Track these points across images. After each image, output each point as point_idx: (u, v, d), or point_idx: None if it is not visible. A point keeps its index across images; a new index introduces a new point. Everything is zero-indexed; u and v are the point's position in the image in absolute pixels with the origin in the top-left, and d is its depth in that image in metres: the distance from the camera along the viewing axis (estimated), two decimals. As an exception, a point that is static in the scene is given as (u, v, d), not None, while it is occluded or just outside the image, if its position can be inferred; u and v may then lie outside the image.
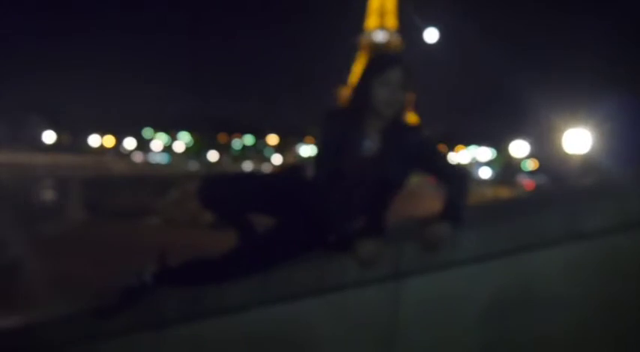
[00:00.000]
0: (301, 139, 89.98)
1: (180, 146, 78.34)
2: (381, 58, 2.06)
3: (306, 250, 2.11)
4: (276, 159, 71.27)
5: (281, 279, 2.08)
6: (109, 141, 73.70)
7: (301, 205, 2.08)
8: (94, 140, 67.66)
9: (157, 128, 78.44)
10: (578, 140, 17.08)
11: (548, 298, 1.92)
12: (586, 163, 16.88)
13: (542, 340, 1.92)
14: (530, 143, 35.02)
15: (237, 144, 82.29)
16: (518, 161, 41.30)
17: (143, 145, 77.14)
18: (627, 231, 1.91)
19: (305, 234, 2.09)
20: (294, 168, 2.37)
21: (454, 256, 1.97)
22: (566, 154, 17.79)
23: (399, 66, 2.02)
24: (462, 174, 2.05)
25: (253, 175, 2.73)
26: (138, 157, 70.36)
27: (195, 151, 75.61)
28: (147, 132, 77.77)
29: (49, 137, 61.38)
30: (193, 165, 57.05)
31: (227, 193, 2.12)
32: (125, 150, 75.42)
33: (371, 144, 2.03)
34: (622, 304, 1.90)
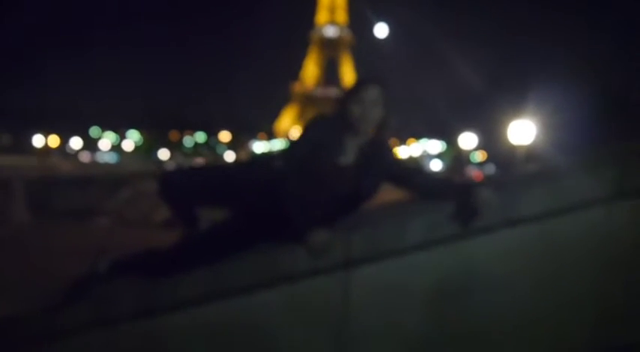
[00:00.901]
0: (254, 136, 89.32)
1: (129, 145, 76.52)
2: (365, 75, 2.21)
3: (259, 240, 2.16)
4: (229, 156, 70.53)
5: (233, 270, 2.11)
6: (54, 140, 71.18)
7: (258, 195, 2.15)
8: (38, 140, 65.20)
9: (105, 126, 76.32)
10: (523, 131, 17.63)
11: (489, 282, 2.02)
12: (529, 153, 17.46)
13: (485, 324, 2.03)
14: (479, 135, 35.93)
15: (188, 141, 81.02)
16: (468, 153, 42.30)
17: (90, 144, 74.93)
18: (561, 215, 2.02)
19: (259, 224, 2.15)
20: (255, 159, 2.42)
21: (401, 244, 2.04)
22: (512, 145, 18.37)
23: (375, 85, 2.13)
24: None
25: (213, 166, 2.79)
26: (85, 157, 68.30)
27: (146, 150, 74.02)
28: (94, 131, 75.57)
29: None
30: (143, 164, 55.84)
31: (187, 181, 2.22)
32: (71, 149, 73.05)
33: (345, 155, 2.14)
34: (557, 286, 2.01)
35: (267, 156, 2.41)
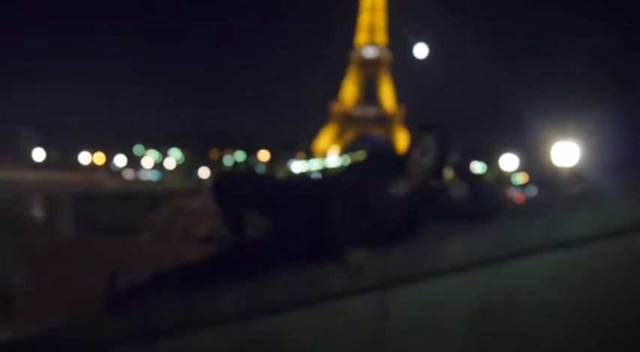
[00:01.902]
0: (293, 155, 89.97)
1: (171, 163, 78.13)
2: (421, 124, 2.27)
3: (298, 257, 2.19)
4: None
5: (271, 287, 2.12)
6: (100, 158, 73.33)
7: (303, 211, 2.22)
8: (85, 157, 67.31)
9: (148, 145, 78.21)
10: (566, 152, 17.23)
11: (531, 305, 1.96)
12: (574, 174, 17.02)
13: (526, 347, 1.96)
14: (520, 156, 35.25)
15: (228, 160, 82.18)
16: (509, 175, 41.52)
17: (134, 162, 76.86)
18: (607, 238, 1.95)
19: (300, 240, 2.19)
20: (306, 177, 2.49)
21: (440, 265, 2.01)
22: (555, 167, 17.94)
23: (428, 133, 2.19)
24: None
25: (265, 175, 2.90)
26: (129, 174, 70.03)
27: (187, 168, 75.42)
28: (138, 149, 77.54)
29: (38, 154, 61.06)
30: (184, 182, 56.88)
31: (240, 183, 2.36)
32: (116, 167, 75.07)
33: (395, 189, 2.20)
34: (602, 309, 1.94)
35: (318, 177, 2.49)
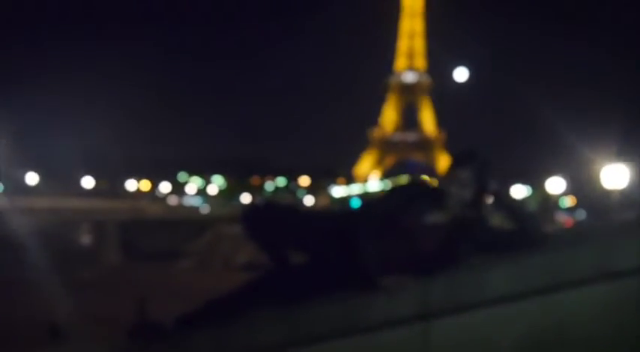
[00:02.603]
0: (333, 180, 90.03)
1: (213, 189, 79.37)
2: (457, 155, 2.22)
3: (336, 288, 2.15)
4: (309, 201, 71.35)
5: (309, 318, 2.09)
6: (145, 185, 75.13)
7: (338, 242, 2.18)
8: (131, 185, 69.10)
9: (192, 171, 79.82)
10: (616, 175, 16.68)
11: (582, 339, 1.86)
12: (625, 199, 16.43)
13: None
14: (567, 180, 34.30)
15: (269, 186, 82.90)
16: (556, 198, 40.36)
17: (178, 189, 78.44)
18: None
19: (336, 270, 2.16)
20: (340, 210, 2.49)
21: (484, 295, 1.94)
22: (605, 190, 17.37)
23: (464, 167, 2.14)
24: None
25: (298, 207, 2.88)
26: (173, 200, 71.43)
27: (229, 194, 76.44)
28: (182, 175, 79.18)
29: (87, 182, 62.96)
30: (226, 208, 57.61)
31: (272, 216, 2.33)
32: (160, 193, 76.74)
33: (432, 219, 2.15)
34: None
35: (352, 206, 2.47)
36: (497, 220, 2.12)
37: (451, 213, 2.15)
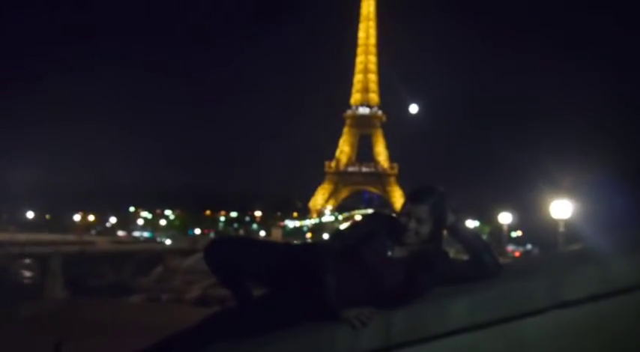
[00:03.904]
0: (288, 214, 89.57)
1: (164, 222, 77.71)
2: (415, 191, 2.19)
3: (300, 321, 2.14)
4: (262, 234, 70.72)
5: (275, 349, 2.04)
6: (93, 218, 72.78)
7: (299, 274, 2.17)
8: (77, 217, 66.82)
9: (141, 205, 78.04)
10: (562, 210, 17.29)
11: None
12: (570, 232, 17.00)
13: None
14: (515, 214, 35.30)
15: (222, 219, 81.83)
16: (505, 231, 41.47)
17: (127, 222, 76.37)
18: (611, 297, 1.92)
19: (299, 303, 2.14)
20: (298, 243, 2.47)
21: (445, 326, 1.96)
22: (552, 224, 17.95)
23: (422, 204, 2.13)
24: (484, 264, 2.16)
25: (258, 240, 2.86)
26: (122, 234, 69.46)
27: (180, 228, 74.94)
28: (131, 209, 77.29)
29: (29, 215, 60.62)
30: (177, 242, 56.36)
31: (234, 250, 2.29)
32: (109, 227, 74.50)
33: (388, 253, 2.16)
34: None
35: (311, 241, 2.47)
36: (453, 252, 2.14)
37: (410, 247, 2.17)
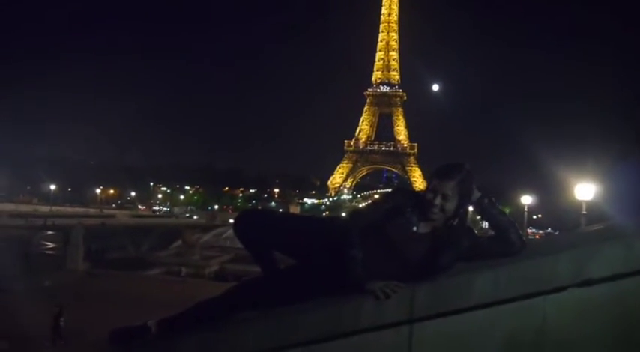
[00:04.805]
0: (307, 192, 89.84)
1: (184, 198, 78.57)
2: (442, 168, 2.18)
3: (323, 292, 2.17)
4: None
5: (297, 323, 2.08)
6: (114, 192, 73.88)
7: (325, 248, 2.19)
8: (98, 191, 67.92)
9: (162, 181, 78.92)
10: (584, 192, 17.08)
11: (559, 342, 1.90)
12: (591, 214, 16.80)
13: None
14: (535, 197, 34.94)
15: (242, 196, 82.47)
16: (525, 213, 41.18)
17: (147, 197, 77.38)
18: (634, 276, 1.90)
19: (324, 275, 2.17)
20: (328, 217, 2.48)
21: (467, 301, 1.97)
22: (571, 205, 17.75)
23: (448, 180, 2.12)
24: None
25: (286, 213, 2.90)
26: (142, 209, 70.43)
27: (200, 203, 75.70)
28: (151, 184, 78.23)
29: (52, 188, 61.77)
30: (196, 218, 56.99)
31: (264, 221, 2.34)
32: (129, 201, 75.54)
33: (412, 228, 2.16)
34: (632, 346, 1.87)
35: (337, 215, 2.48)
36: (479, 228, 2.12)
37: (435, 223, 2.17)
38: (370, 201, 2.43)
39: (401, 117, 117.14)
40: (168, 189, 79.40)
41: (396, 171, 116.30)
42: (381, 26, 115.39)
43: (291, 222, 2.44)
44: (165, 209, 72.48)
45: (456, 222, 2.17)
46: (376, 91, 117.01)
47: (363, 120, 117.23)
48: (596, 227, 2.93)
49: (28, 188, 66.99)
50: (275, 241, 2.31)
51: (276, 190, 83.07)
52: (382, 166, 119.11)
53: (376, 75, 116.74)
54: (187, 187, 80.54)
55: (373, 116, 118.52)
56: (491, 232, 2.19)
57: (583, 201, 16.91)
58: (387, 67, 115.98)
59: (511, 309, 1.93)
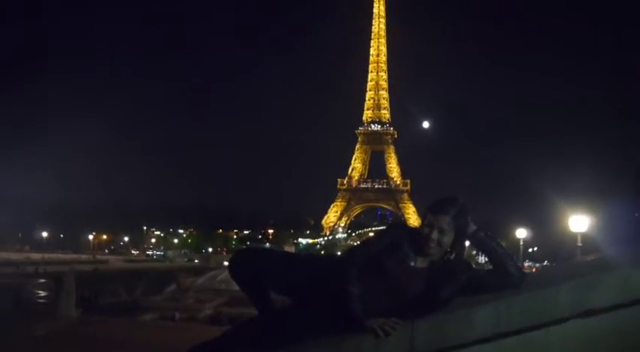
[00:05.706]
0: (301, 232, 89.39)
1: (177, 241, 77.94)
2: (437, 202, 2.20)
3: (323, 330, 2.14)
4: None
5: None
6: (107, 237, 73.19)
7: (323, 286, 2.17)
8: (91, 237, 67.24)
9: (155, 224, 78.39)
10: (579, 224, 17.15)
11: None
12: (586, 245, 16.82)
13: None
14: (529, 230, 34.92)
15: (236, 237, 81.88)
16: (521, 247, 41.07)
17: (141, 241, 76.71)
18: (632, 306, 1.90)
19: (322, 313, 2.14)
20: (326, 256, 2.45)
21: (469, 335, 1.95)
22: (566, 237, 17.78)
23: (443, 215, 2.13)
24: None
25: (282, 251, 2.86)
26: (135, 253, 69.70)
27: (194, 246, 75.07)
28: (144, 228, 77.63)
29: (44, 234, 61.11)
30: (190, 260, 56.39)
31: (259, 262, 2.31)
32: (122, 245, 74.84)
33: (409, 263, 2.15)
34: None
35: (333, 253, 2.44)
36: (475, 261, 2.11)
37: (432, 257, 2.16)
38: (366, 238, 2.41)
39: (393, 155, 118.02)
40: (161, 232, 78.82)
41: (389, 208, 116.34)
42: (370, 66, 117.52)
43: (288, 259, 2.42)
44: (158, 253, 71.76)
45: (453, 256, 2.17)
46: (367, 130, 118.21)
47: (355, 159, 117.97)
48: (593, 258, 2.93)
49: (20, 235, 66.33)
50: (271, 279, 2.29)
51: (271, 230, 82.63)
52: (376, 204, 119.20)
53: (367, 114, 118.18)
54: (180, 230, 79.98)
55: (365, 154, 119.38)
56: (490, 266, 2.19)
57: (578, 232, 16.95)
58: (377, 106, 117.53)
59: (513, 343, 1.91)
